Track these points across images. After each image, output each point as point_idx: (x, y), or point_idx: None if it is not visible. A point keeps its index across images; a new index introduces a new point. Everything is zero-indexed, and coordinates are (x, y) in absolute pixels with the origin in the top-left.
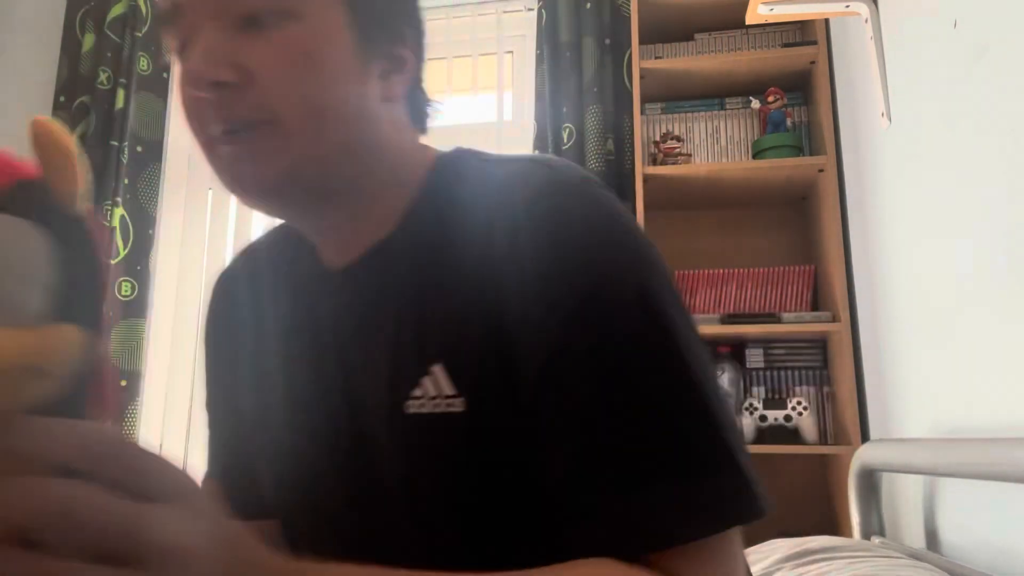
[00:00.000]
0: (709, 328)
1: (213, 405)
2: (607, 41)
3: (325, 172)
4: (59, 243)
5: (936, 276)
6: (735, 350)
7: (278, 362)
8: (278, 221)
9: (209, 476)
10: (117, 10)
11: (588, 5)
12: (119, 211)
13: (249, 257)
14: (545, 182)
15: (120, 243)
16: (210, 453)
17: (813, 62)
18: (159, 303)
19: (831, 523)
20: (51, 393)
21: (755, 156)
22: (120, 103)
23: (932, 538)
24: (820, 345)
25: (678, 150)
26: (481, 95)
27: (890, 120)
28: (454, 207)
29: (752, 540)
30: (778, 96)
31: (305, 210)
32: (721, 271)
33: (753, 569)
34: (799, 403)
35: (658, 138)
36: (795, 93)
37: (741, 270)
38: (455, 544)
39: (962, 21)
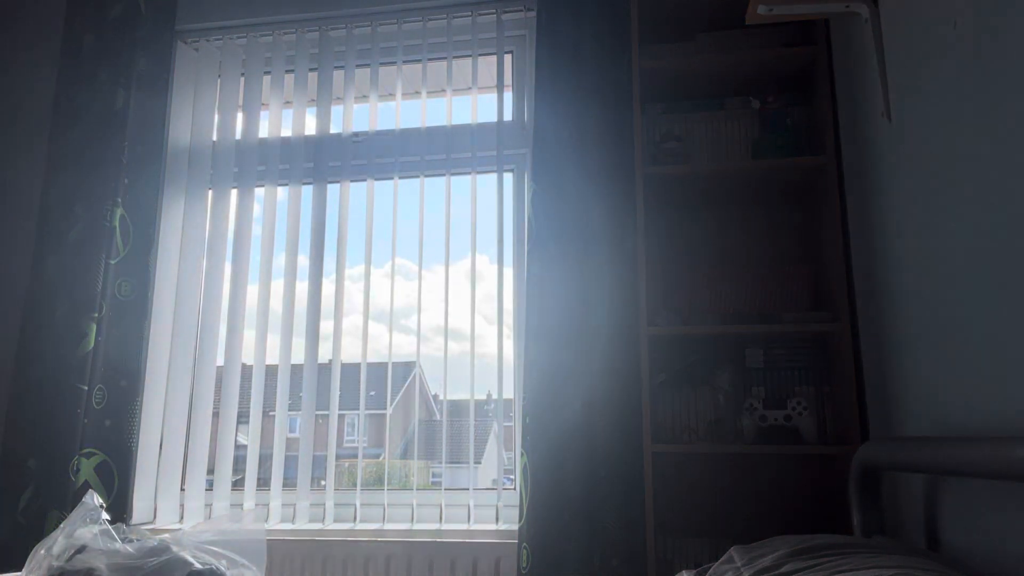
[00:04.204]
0: (709, 328)
1: None
2: (607, 41)
3: None
4: None
5: (936, 275)
6: (735, 350)
7: None
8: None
9: None
10: (117, 10)
11: (588, 5)
12: (119, 211)
13: None
14: None
15: (120, 243)
16: None
17: (813, 62)
18: (159, 303)
19: (831, 522)
20: None
21: (755, 156)
22: (120, 103)
23: (933, 536)
24: (820, 345)
25: (678, 150)
26: (481, 95)
27: (890, 120)
28: None
29: (753, 538)
30: (778, 96)
31: None
32: (721, 271)
33: (758, 564)
34: (799, 403)
35: (658, 138)
36: (795, 93)
37: (741, 270)
38: None
39: (962, 21)
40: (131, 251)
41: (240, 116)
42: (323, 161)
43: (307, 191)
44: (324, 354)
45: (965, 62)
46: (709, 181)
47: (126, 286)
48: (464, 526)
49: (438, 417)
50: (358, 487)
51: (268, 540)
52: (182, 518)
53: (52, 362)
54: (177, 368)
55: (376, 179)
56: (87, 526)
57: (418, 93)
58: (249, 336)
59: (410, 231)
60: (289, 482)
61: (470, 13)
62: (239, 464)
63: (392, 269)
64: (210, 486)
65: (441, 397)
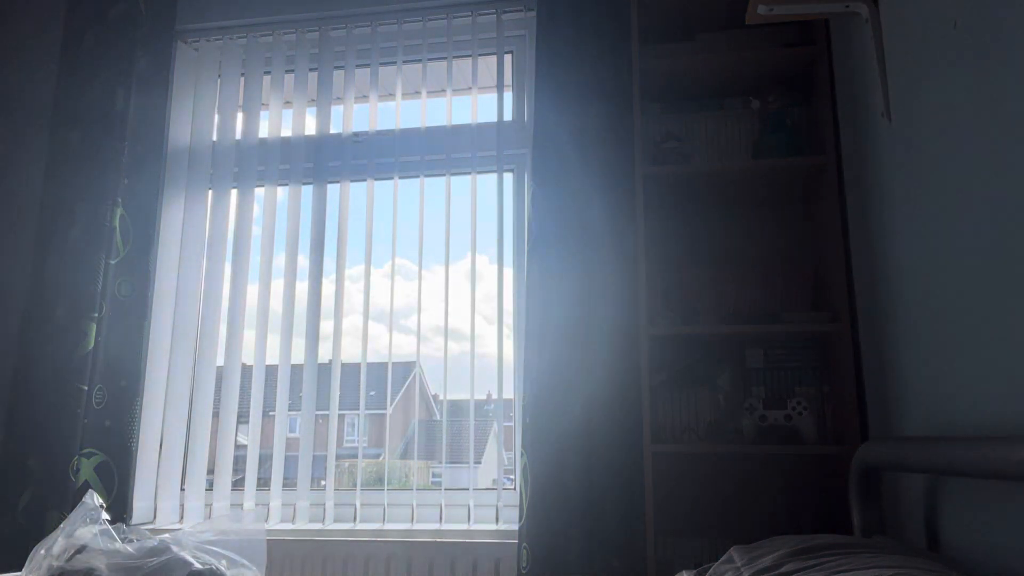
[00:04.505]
0: (709, 328)
1: None
2: (607, 41)
3: None
4: None
5: (936, 275)
6: (735, 350)
7: None
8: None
9: None
10: (117, 10)
11: (588, 5)
12: (119, 211)
13: None
14: None
15: (120, 243)
16: None
17: (813, 62)
18: (159, 303)
19: (831, 522)
20: None
21: (755, 156)
22: (120, 103)
23: (933, 536)
24: (820, 345)
25: (678, 150)
26: (481, 95)
27: (890, 119)
28: None
29: (753, 538)
30: (778, 96)
31: None
32: (721, 271)
33: (758, 564)
34: (799, 403)
35: (658, 138)
36: (795, 93)
37: (741, 270)
38: None
39: (962, 21)
40: (131, 251)
41: (240, 116)
42: (323, 161)
43: (307, 191)
44: (324, 354)
45: (965, 62)
46: (709, 181)
47: (126, 286)
48: (464, 526)
49: (438, 417)
50: (358, 487)
51: (268, 540)
52: (182, 518)
53: (52, 362)
54: (177, 368)
55: (376, 179)
56: (87, 526)
57: (418, 93)
58: (249, 336)
59: (410, 231)
60: (289, 482)
61: (470, 13)
62: (239, 464)
63: (392, 269)
64: (210, 486)
65: (441, 397)
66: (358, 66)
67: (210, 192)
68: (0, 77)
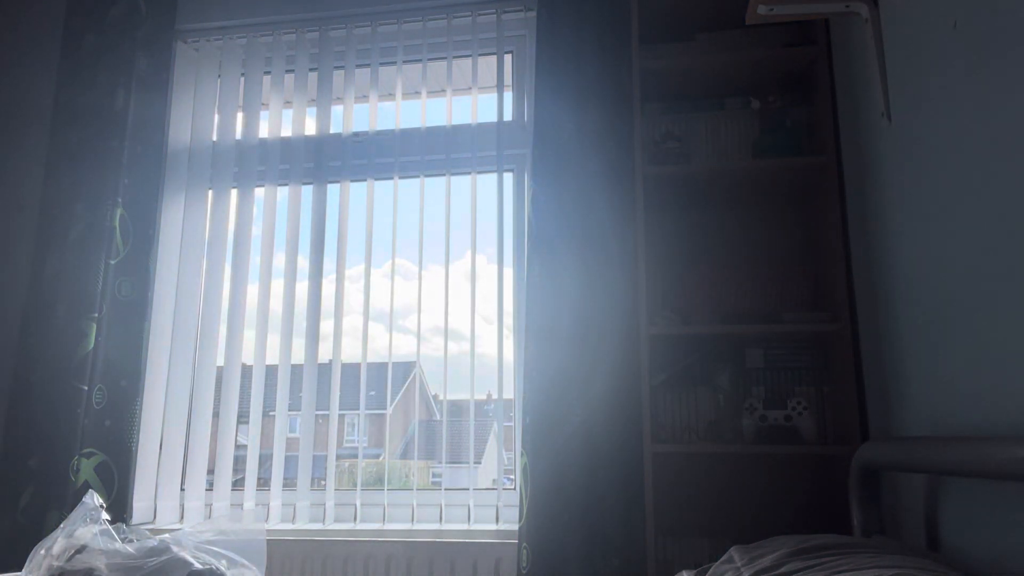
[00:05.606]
0: (709, 328)
1: None
2: (607, 41)
3: None
4: None
5: (936, 275)
6: (735, 350)
7: None
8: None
9: None
10: (117, 10)
11: (588, 5)
12: (119, 211)
13: None
14: None
15: (120, 243)
16: None
17: (813, 62)
18: (159, 303)
19: (831, 522)
20: None
21: (755, 156)
22: (120, 103)
23: (933, 536)
24: (820, 345)
25: (678, 150)
26: (481, 95)
27: (890, 120)
28: None
29: (752, 538)
30: (778, 96)
31: None
32: (721, 271)
33: (758, 564)
34: (799, 403)
35: (658, 138)
36: (795, 93)
37: (741, 270)
38: None
39: (962, 21)
40: (131, 251)
41: (240, 116)
42: (323, 161)
43: (307, 191)
44: (324, 354)
45: (965, 62)
46: (709, 181)
47: (126, 286)
48: (464, 526)
49: (438, 417)
50: (358, 487)
51: (268, 540)
52: (182, 518)
53: (52, 362)
54: (177, 368)
55: (376, 179)
56: (87, 526)
57: (418, 93)
58: (249, 336)
59: (410, 231)
60: (289, 482)
61: (470, 13)
62: (239, 464)
63: (392, 269)
64: (210, 486)
65: (441, 397)
66: (358, 66)
67: (210, 192)
68: (0, 77)
